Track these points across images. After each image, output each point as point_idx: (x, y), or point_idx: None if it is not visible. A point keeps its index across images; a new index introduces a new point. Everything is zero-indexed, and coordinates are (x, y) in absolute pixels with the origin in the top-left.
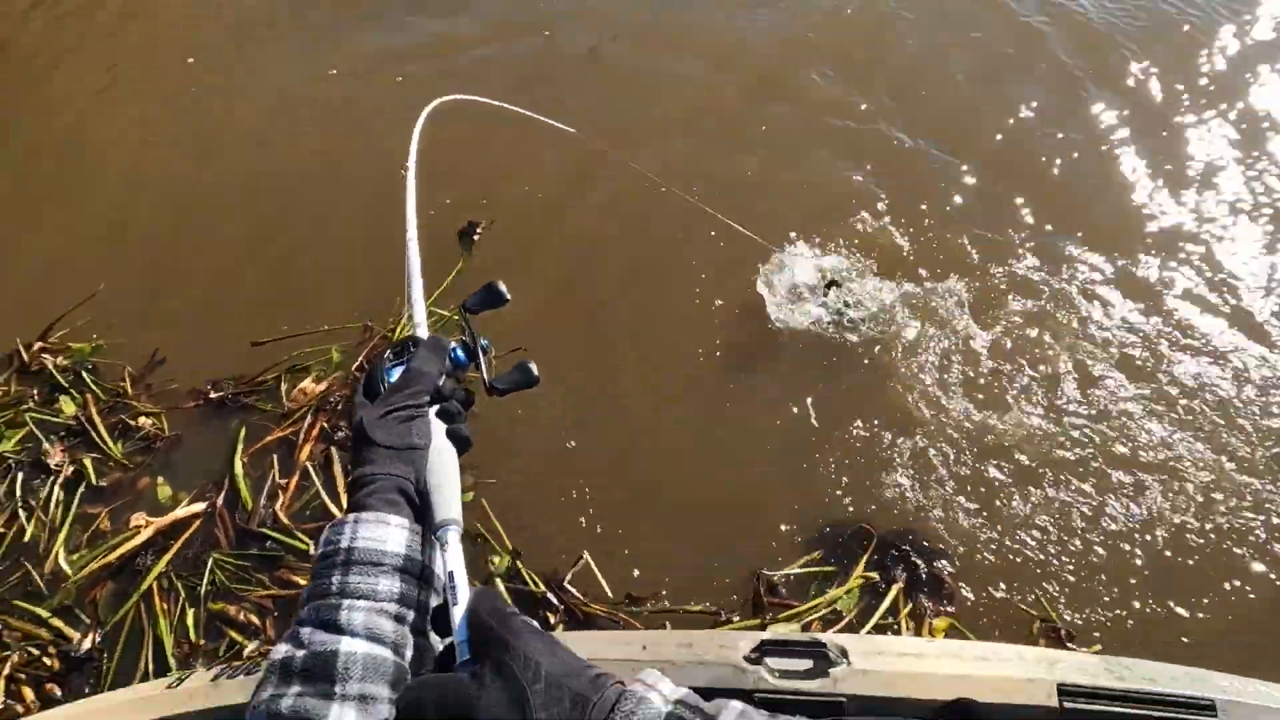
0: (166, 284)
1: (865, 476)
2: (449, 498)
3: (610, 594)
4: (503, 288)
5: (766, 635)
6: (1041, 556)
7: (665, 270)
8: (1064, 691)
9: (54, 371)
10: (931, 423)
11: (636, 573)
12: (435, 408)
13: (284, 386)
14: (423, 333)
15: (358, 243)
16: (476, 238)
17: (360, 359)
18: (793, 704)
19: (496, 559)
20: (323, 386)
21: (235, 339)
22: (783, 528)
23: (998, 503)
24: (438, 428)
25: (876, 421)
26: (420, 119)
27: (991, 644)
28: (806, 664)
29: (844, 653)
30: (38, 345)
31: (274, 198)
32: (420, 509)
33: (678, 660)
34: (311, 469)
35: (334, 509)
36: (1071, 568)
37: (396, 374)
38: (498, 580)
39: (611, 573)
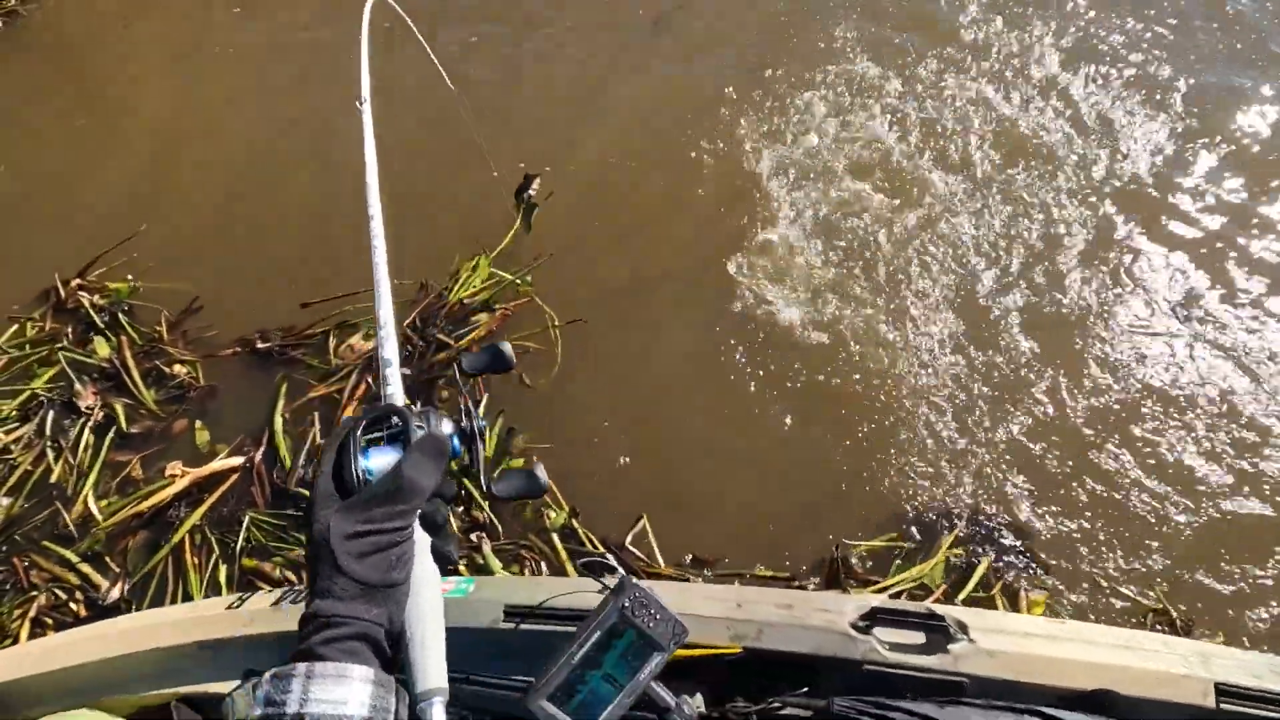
0: (214, 231)
1: (938, 454)
2: (433, 652)
3: (662, 562)
4: (508, 350)
5: (876, 602)
6: (1150, 534)
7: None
8: (1224, 691)
9: (90, 310)
10: (1010, 395)
11: (690, 555)
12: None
13: (332, 342)
14: (396, 391)
15: (417, 197)
16: (532, 193)
17: (413, 315)
18: (903, 679)
19: (553, 514)
20: (371, 345)
21: (282, 292)
22: (853, 507)
23: (1093, 477)
24: (420, 543)
25: (948, 394)
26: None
27: (1132, 631)
28: (920, 637)
29: (963, 628)
30: (75, 283)
31: (334, 149)
32: (392, 659)
33: (776, 622)
34: None
35: None
36: (1187, 550)
37: (375, 460)
38: (554, 536)
39: (671, 541)
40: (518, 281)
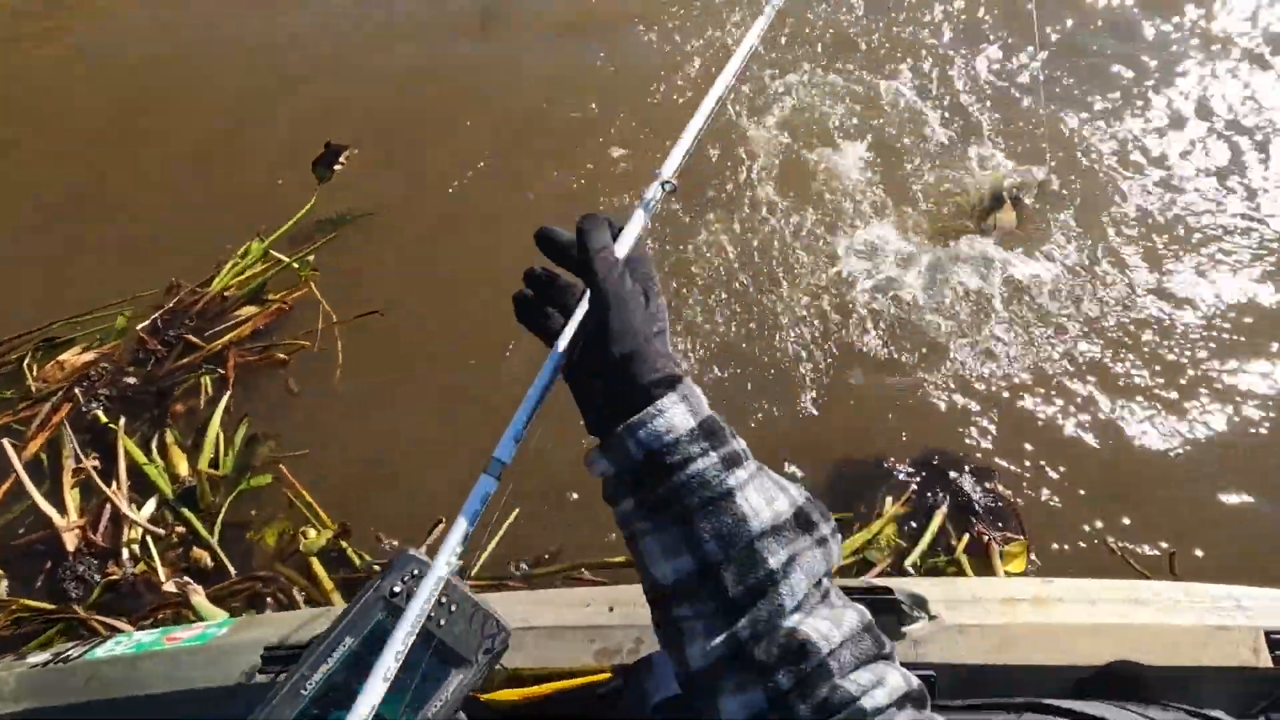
0: None
1: (864, 396)
2: None
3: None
4: None
5: None
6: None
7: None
8: (1277, 642)
9: None
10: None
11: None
12: None
13: (31, 366)
14: None
15: (192, 178)
16: (339, 167)
17: (153, 318)
18: None
19: (312, 533)
20: (90, 357)
21: None
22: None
23: (1057, 399)
24: None
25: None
26: None
27: (1140, 581)
28: None
29: (920, 603)
30: None
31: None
32: None
33: None
34: (24, 474)
35: (55, 516)
36: (1178, 472)
37: None
38: (313, 562)
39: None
40: (295, 264)
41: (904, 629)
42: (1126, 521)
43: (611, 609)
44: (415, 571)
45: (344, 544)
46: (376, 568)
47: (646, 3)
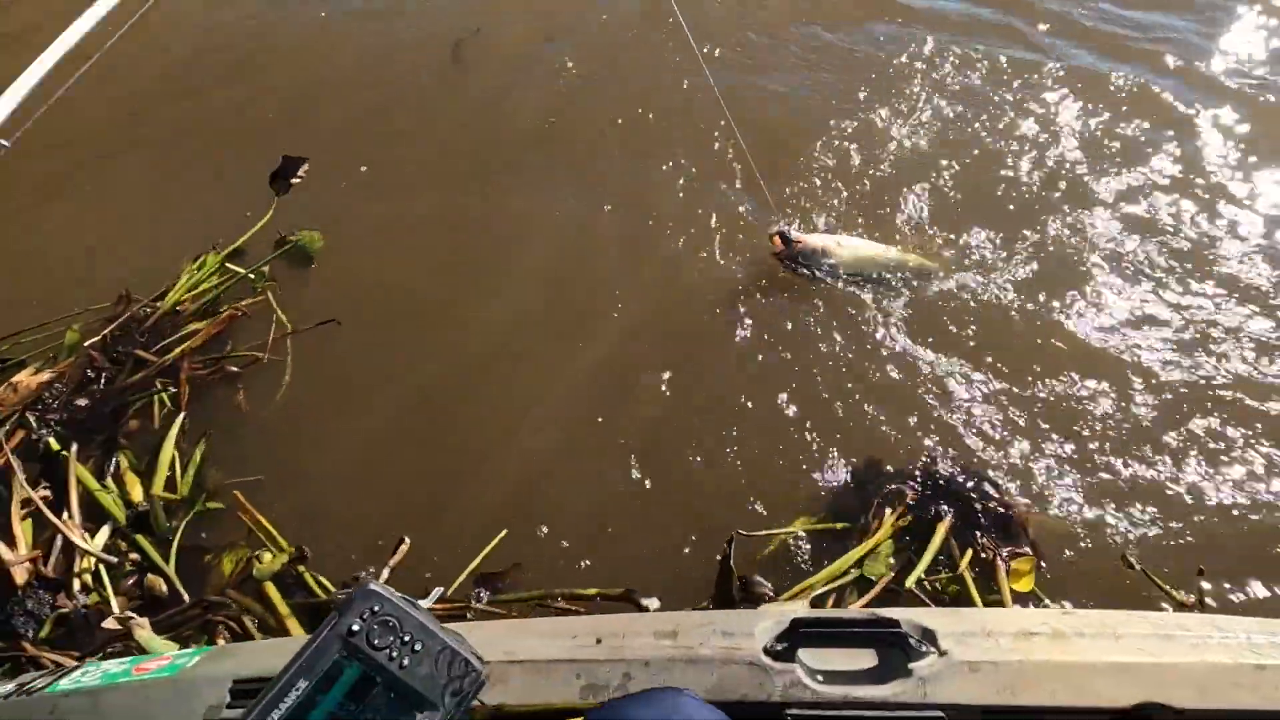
0: None
1: (864, 405)
2: None
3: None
4: None
5: (800, 612)
6: (1148, 477)
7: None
8: None
9: None
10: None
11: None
12: None
13: None
14: None
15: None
16: (296, 181)
17: (104, 333)
18: None
19: (268, 556)
20: (45, 377)
21: None
22: (744, 491)
23: (1067, 408)
24: None
25: (864, 333)
26: None
27: (1165, 614)
28: (867, 658)
29: (929, 637)
30: None
31: None
32: None
33: (654, 659)
34: None
35: (4, 551)
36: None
37: None
38: (268, 587)
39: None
40: (251, 275)
41: (911, 665)
42: (1149, 534)
43: (599, 641)
44: (376, 608)
45: (300, 569)
46: (340, 596)
47: None
